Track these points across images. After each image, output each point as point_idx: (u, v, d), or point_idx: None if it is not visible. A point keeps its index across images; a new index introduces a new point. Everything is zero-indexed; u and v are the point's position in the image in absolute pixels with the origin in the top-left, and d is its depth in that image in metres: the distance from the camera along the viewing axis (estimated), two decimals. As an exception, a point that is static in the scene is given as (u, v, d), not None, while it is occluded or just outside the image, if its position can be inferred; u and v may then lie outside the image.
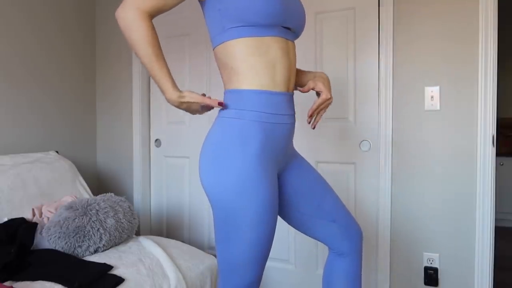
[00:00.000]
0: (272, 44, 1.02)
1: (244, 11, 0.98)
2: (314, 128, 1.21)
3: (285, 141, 1.11)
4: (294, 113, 1.14)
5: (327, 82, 1.19)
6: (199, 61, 2.44)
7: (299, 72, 1.27)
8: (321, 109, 1.19)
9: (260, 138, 1.03)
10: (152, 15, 1.01)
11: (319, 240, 1.25)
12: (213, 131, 1.07)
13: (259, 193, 1.01)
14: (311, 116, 1.18)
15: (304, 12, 1.14)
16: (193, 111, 1.08)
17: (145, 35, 0.98)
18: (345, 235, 1.21)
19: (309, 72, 1.25)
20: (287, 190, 1.20)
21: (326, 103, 1.18)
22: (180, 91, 1.03)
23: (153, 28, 1.00)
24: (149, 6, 0.99)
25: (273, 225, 1.06)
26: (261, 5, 0.97)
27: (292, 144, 1.21)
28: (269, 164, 1.05)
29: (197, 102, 1.04)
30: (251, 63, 1.02)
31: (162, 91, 1.03)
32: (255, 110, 1.03)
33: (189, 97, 1.03)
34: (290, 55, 1.07)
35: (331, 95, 1.17)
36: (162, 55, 1.02)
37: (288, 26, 1.06)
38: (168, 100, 1.03)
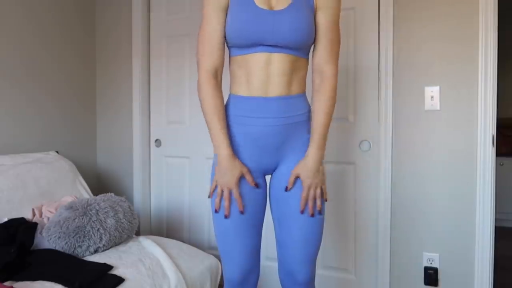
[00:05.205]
0: (250, 59, 1.16)
1: (229, 37, 1.17)
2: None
3: (269, 141, 1.18)
4: (287, 116, 1.18)
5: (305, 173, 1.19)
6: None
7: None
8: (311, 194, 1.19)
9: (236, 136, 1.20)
10: (217, 68, 1.18)
11: None
12: None
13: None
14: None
15: (294, 27, 1.12)
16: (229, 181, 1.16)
17: (209, 97, 1.16)
18: (284, 269, 1.23)
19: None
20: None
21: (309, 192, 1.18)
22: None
23: (216, 90, 1.17)
24: (210, 64, 1.17)
25: (237, 222, 1.16)
26: (235, 33, 1.15)
27: (294, 144, 1.21)
28: (249, 161, 1.20)
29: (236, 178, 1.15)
30: (235, 75, 1.21)
31: (216, 146, 1.16)
32: (233, 114, 1.20)
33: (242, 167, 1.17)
34: (271, 66, 1.16)
35: (310, 180, 1.17)
36: (224, 115, 1.17)
37: (270, 44, 1.14)
38: (219, 155, 1.15)
